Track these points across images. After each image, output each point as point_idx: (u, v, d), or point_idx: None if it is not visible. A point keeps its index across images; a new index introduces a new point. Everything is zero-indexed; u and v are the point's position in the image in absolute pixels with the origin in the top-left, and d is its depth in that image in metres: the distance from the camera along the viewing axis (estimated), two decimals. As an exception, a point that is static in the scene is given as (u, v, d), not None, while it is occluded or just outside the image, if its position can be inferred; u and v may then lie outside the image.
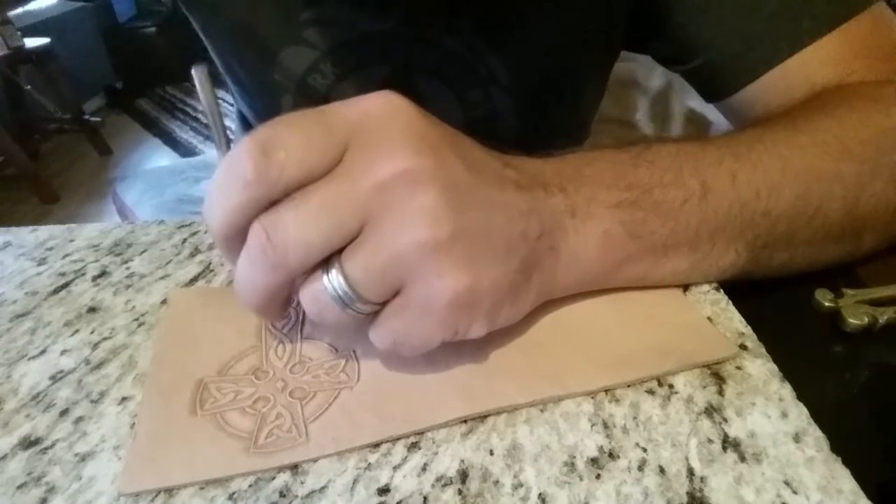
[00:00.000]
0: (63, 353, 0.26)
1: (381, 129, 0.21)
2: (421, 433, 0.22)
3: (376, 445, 0.22)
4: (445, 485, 0.20)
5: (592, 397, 0.23)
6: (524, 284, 0.24)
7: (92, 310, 0.29)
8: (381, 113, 0.21)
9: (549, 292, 0.26)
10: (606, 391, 0.23)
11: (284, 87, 0.46)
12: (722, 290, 0.29)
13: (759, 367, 0.24)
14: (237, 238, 0.21)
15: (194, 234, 0.35)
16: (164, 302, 0.29)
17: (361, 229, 0.20)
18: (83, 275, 0.32)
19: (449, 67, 0.45)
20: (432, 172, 0.20)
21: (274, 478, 0.21)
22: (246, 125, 0.62)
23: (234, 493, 0.20)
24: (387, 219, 0.20)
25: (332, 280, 0.21)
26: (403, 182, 0.20)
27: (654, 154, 0.27)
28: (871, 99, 0.32)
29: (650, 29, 0.43)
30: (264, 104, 0.52)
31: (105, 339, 0.27)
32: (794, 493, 0.19)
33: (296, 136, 0.20)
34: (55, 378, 0.25)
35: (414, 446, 0.22)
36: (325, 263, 0.21)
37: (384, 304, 0.22)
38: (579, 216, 0.25)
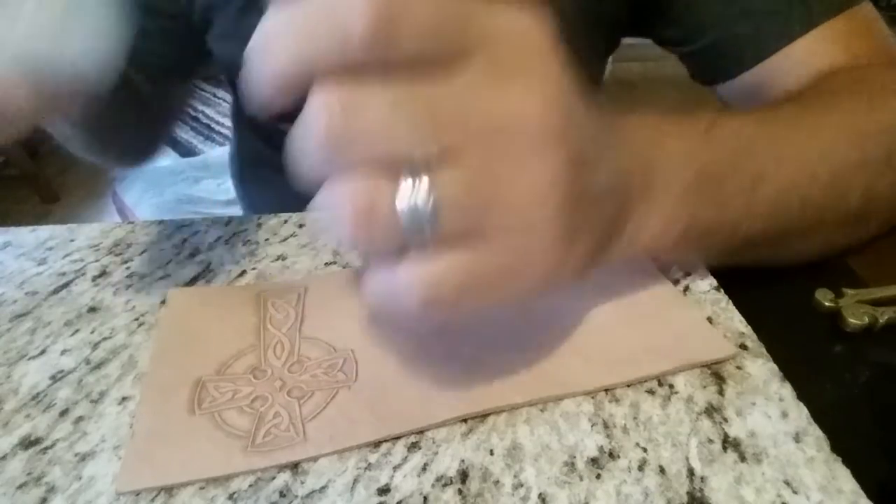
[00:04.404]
0: (63, 352, 0.26)
1: (522, 52, 0.18)
2: (420, 433, 0.22)
3: (376, 445, 0.22)
4: (445, 485, 0.20)
5: (592, 397, 0.23)
6: (595, 256, 0.22)
7: (92, 310, 0.29)
8: (524, 34, 0.18)
9: (601, 263, 0.24)
10: (606, 391, 0.23)
11: None
12: (722, 290, 0.29)
13: (760, 367, 0.24)
14: (291, 83, 0.17)
15: (194, 234, 0.35)
16: (163, 302, 0.29)
17: (458, 156, 0.17)
18: (83, 275, 0.32)
19: None
20: (564, 134, 0.18)
21: (274, 478, 0.21)
22: (242, 123, 0.62)
23: (234, 493, 0.20)
24: (503, 160, 0.17)
25: (416, 190, 0.16)
26: (532, 133, 0.18)
27: (722, 131, 0.27)
28: (886, 84, 0.32)
29: (654, 10, 0.43)
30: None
31: (105, 339, 0.27)
32: (795, 492, 0.19)
33: (428, 8, 0.16)
34: (55, 378, 0.25)
35: (414, 446, 0.22)
36: (405, 172, 0.17)
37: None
38: (649, 202, 0.24)
